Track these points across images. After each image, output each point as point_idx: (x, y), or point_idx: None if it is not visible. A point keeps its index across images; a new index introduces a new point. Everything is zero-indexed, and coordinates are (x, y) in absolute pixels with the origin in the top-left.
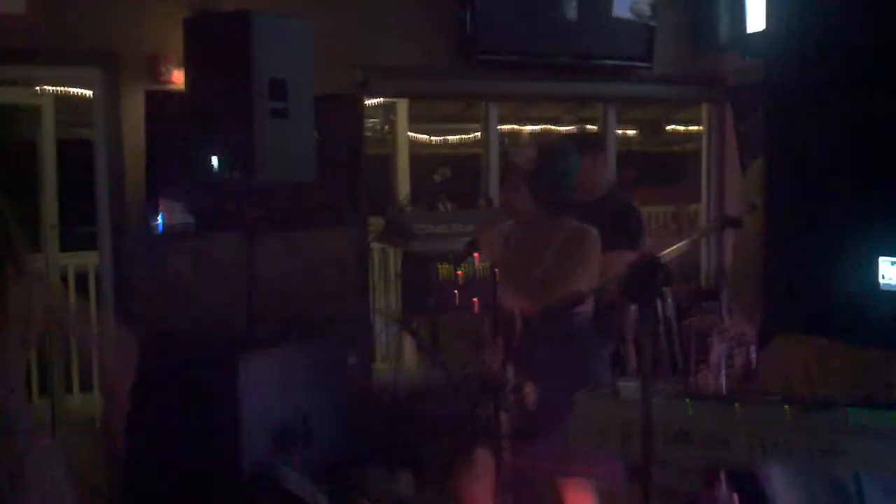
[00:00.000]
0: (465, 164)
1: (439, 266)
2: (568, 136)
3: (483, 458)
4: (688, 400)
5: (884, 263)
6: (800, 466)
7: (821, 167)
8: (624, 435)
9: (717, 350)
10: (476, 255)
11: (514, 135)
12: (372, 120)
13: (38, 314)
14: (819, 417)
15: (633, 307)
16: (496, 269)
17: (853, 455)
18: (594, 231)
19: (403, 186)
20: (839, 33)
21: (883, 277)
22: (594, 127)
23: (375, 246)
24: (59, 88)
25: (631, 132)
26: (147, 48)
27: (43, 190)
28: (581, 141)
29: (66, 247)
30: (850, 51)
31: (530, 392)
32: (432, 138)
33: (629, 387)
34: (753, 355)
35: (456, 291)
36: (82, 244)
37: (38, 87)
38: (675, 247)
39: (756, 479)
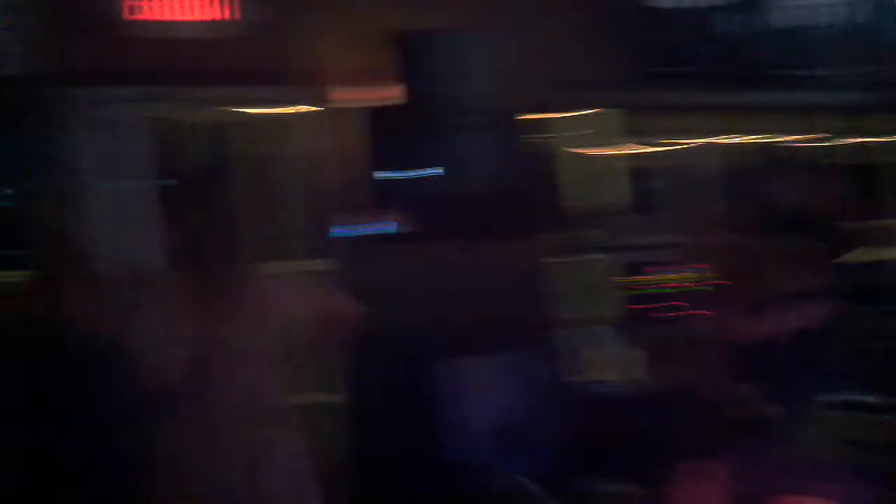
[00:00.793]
0: (676, 178)
1: (657, 276)
2: (773, 150)
3: (709, 472)
4: None
5: None
6: None
7: None
8: (865, 448)
9: None
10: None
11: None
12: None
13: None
14: None
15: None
16: (720, 279)
17: None
18: (815, 245)
19: (603, 198)
20: None
21: None
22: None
23: (580, 257)
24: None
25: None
26: (355, 66)
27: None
28: (777, 156)
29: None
30: None
31: (755, 404)
32: (639, 150)
33: (861, 398)
34: None
35: (670, 302)
36: None
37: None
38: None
39: None
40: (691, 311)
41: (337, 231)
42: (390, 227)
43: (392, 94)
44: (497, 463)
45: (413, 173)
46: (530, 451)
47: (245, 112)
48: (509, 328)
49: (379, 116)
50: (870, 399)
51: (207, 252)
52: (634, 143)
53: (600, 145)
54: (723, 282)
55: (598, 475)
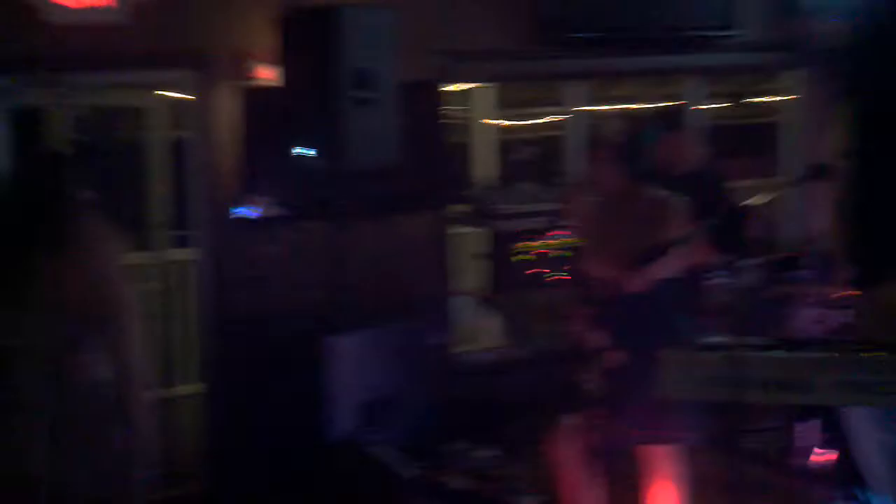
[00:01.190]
0: (543, 146)
1: (525, 244)
2: (652, 112)
3: (573, 424)
4: (780, 350)
5: None
6: (883, 406)
7: None
8: (712, 383)
9: (803, 315)
10: (560, 228)
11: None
12: (455, 107)
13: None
14: None
15: (714, 275)
16: (584, 239)
17: None
18: (676, 201)
19: (484, 169)
20: None
21: None
22: (679, 103)
23: (459, 229)
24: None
25: (712, 105)
26: (236, 47)
27: (150, 191)
28: (662, 116)
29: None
30: None
31: (618, 357)
32: (511, 123)
33: (715, 340)
34: (843, 319)
35: (539, 269)
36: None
37: (144, 90)
38: (764, 195)
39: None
40: (566, 273)
41: (224, 212)
42: (272, 208)
43: (278, 73)
44: (375, 436)
45: (299, 152)
46: (408, 422)
47: (125, 96)
48: (391, 301)
49: (264, 96)
50: (719, 339)
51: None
52: (516, 114)
53: (487, 117)
54: (595, 242)
55: (467, 438)
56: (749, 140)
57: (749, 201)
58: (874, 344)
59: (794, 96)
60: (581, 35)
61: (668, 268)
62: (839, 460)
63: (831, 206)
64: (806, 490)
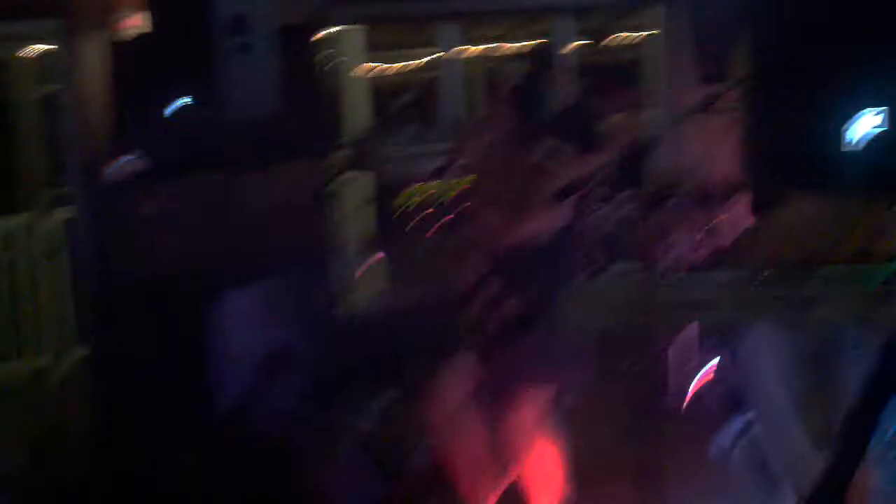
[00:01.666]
0: (420, 88)
1: (410, 188)
2: (529, 51)
3: (461, 363)
4: (677, 274)
5: (866, 117)
6: (785, 319)
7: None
8: (624, 309)
9: (686, 243)
10: (448, 171)
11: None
12: (329, 51)
13: None
14: (796, 276)
15: (600, 210)
16: (479, 180)
17: (828, 307)
18: (565, 146)
19: (361, 115)
20: None
21: (854, 137)
22: (545, 40)
23: (344, 175)
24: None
25: (580, 43)
26: None
27: (23, 148)
28: (534, 56)
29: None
30: None
31: (509, 301)
32: (382, 65)
33: (622, 267)
34: (724, 244)
35: (432, 210)
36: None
37: (10, 43)
38: (658, 129)
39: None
40: (457, 219)
41: (97, 169)
42: (145, 163)
43: (148, 20)
44: (273, 391)
45: (177, 103)
46: (304, 374)
47: None
48: (278, 257)
49: (134, 45)
50: (625, 266)
51: None
52: (389, 56)
53: (363, 62)
54: (486, 187)
55: (364, 384)
56: (616, 76)
57: (647, 135)
58: (775, 262)
59: (655, 32)
60: None
61: (556, 211)
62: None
63: (717, 134)
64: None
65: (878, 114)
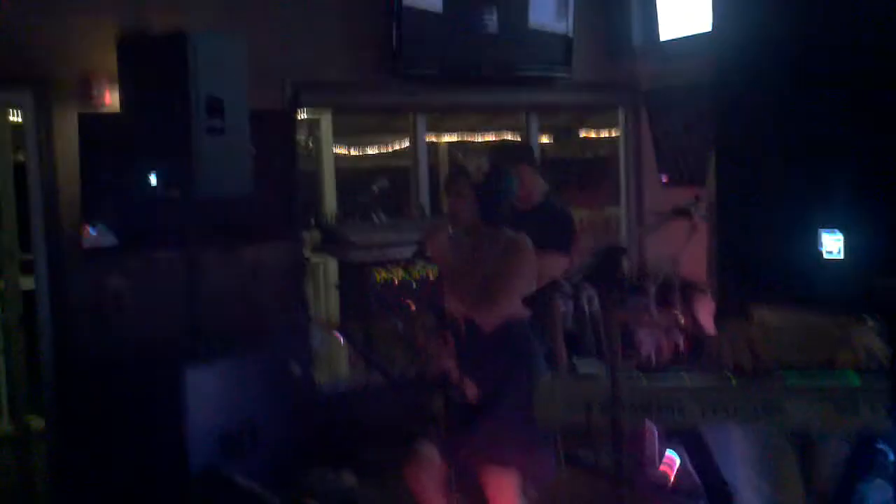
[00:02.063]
0: (388, 176)
1: (376, 273)
2: (498, 146)
3: (428, 450)
4: (643, 374)
5: (825, 237)
6: (745, 424)
7: (766, 153)
8: (588, 410)
9: (647, 342)
10: (417, 259)
11: (435, 146)
12: (298, 137)
13: None
14: (759, 382)
15: (564, 308)
16: (443, 273)
17: (791, 413)
18: (527, 240)
19: (330, 199)
20: (783, 28)
21: (826, 251)
22: (516, 137)
23: (313, 258)
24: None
25: (545, 140)
26: (79, 70)
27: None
28: (512, 150)
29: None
30: (793, 43)
31: (471, 387)
32: (352, 152)
33: (588, 368)
34: (681, 345)
35: (394, 299)
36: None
37: None
38: (633, 236)
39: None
40: (421, 304)
41: (66, 239)
42: (112, 237)
43: (121, 97)
44: (236, 466)
45: (139, 181)
46: (268, 451)
47: None
48: (247, 331)
49: (108, 121)
50: (590, 367)
51: None
52: (363, 143)
53: (333, 147)
54: (451, 276)
55: (325, 465)
56: (581, 172)
57: (622, 239)
58: (737, 369)
59: (621, 133)
60: (425, 70)
61: (520, 305)
62: (702, 478)
63: (683, 238)
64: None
65: (835, 235)
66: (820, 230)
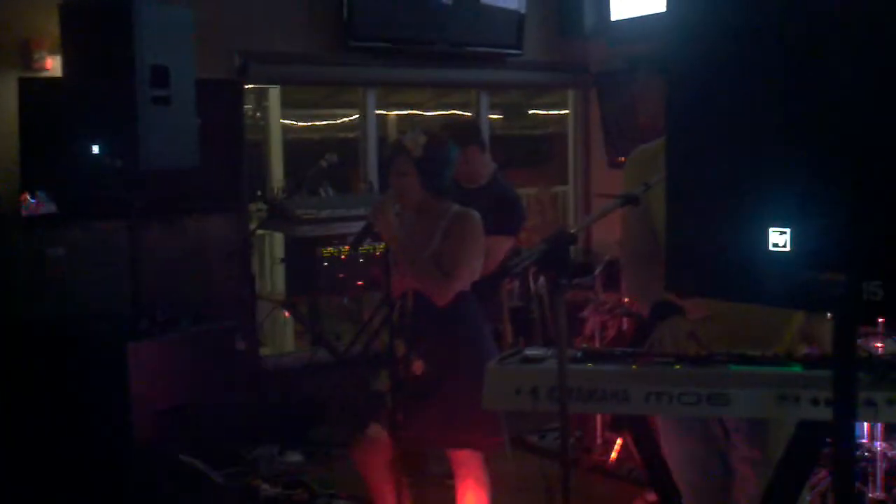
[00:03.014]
0: (337, 150)
1: (323, 249)
2: (447, 124)
3: (375, 431)
4: (589, 362)
5: (773, 232)
6: (690, 414)
7: (719, 143)
8: (535, 395)
9: (592, 322)
10: (364, 235)
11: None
12: (245, 107)
13: None
14: (704, 371)
15: (511, 285)
16: (391, 249)
17: (734, 401)
18: (475, 215)
19: (277, 172)
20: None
21: (773, 244)
22: (466, 113)
23: (259, 232)
24: None
25: (494, 116)
26: (19, 35)
27: None
28: (459, 130)
29: None
30: (748, 28)
31: (419, 365)
32: (300, 124)
33: (535, 353)
34: (625, 325)
35: (341, 274)
36: None
37: None
38: (583, 223)
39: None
40: (370, 280)
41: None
42: (37, 208)
43: (63, 64)
44: (180, 443)
45: (80, 150)
46: (213, 427)
47: None
48: (192, 305)
49: (50, 88)
50: (537, 351)
51: None
52: (311, 116)
53: (280, 119)
54: (397, 250)
55: (271, 444)
56: (528, 150)
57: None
58: (680, 357)
59: (570, 112)
60: (376, 44)
61: (466, 280)
62: (647, 466)
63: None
64: (605, 487)
65: (782, 231)
66: (767, 222)
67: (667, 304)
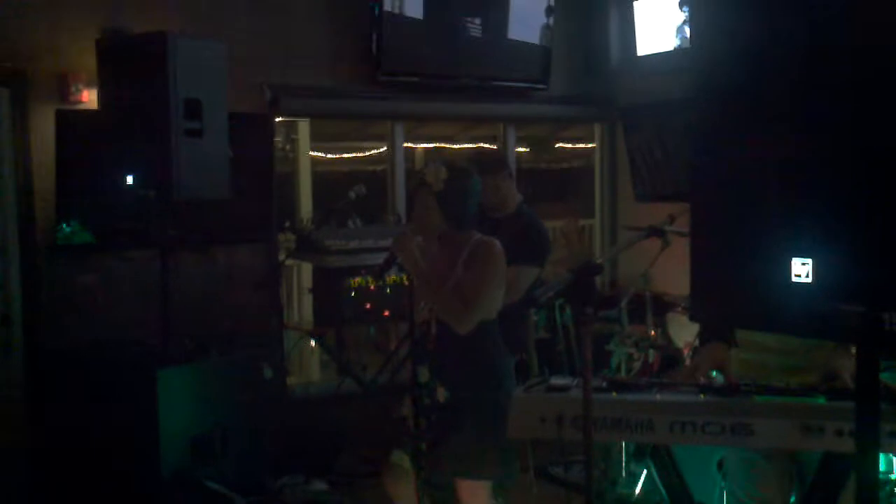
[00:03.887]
0: (365, 181)
1: (351, 279)
2: (474, 155)
3: (400, 459)
4: (614, 392)
5: (795, 262)
6: (713, 444)
7: (741, 176)
8: (559, 423)
9: (618, 355)
10: (390, 266)
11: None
12: (275, 139)
13: None
14: (728, 401)
15: (536, 316)
16: (414, 280)
17: (759, 433)
18: (497, 244)
19: (306, 203)
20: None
21: (795, 275)
22: (492, 146)
23: (288, 262)
24: None
25: (521, 150)
26: (57, 67)
27: None
28: (487, 160)
29: None
30: (773, 66)
31: (442, 393)
32: (329, 156)
33: (560, 382)
34: (651, 358)
35: (368, 305)
36: None
37: None
38: (609, 254)
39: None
40: (395, 311)
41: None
42: (87, 234)
43: (100, 97)
44: (207, 470)
45: (115, 180)
46: (240, 455)
47: None
48: (221, 333)
49: (87, 120)
50: (563, 381)
51: None
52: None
53: (311, 151)
54: (422, 283)
55: (296, 472)
56: (555, 183)
57: (600, 260)
58: (705, 387)
59: (596, 145)
60: (404, 78)
61: (489, 309)
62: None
63: (657, 255)
64: None
65: (804, 262)
66: (790, 254)
67: (715, 329)
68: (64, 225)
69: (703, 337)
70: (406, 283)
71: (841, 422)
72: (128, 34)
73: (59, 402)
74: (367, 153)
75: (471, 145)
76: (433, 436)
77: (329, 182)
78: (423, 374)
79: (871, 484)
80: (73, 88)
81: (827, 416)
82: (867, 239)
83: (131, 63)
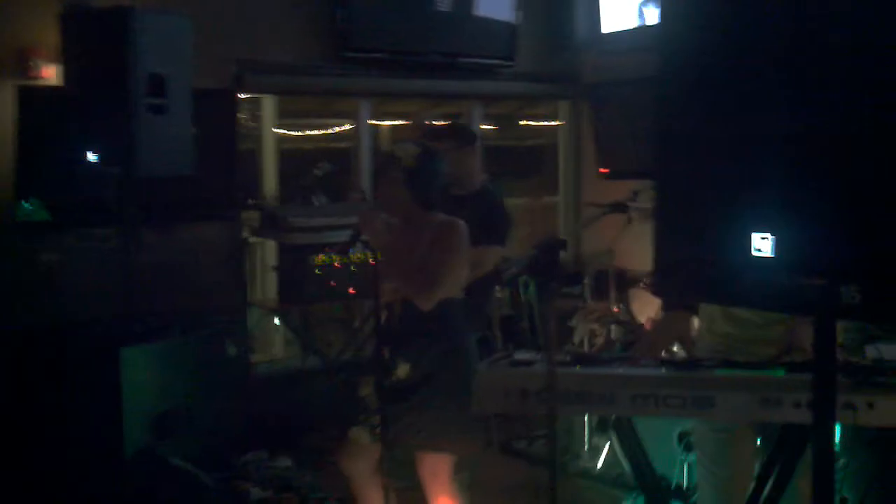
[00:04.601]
0: (330, 159)
1: (315, 257)
2: (441, 128)
3: (360, 435)
4: (577, 366)
5: (756, 237)
6: (675, 416)
7: (703, 152)
8: (524, 397)
9: (581, 330)
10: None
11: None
12: (240, 115)
13: None
14: (690, 374)
15: (501, 294)
16: (379, 257)
17: (720, 405)
18: (461, 224)
19: (271, 181)
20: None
21: (756, 249)
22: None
23: (252, 239)
24: None
25: (486, 127)
26: (16, 43)
27: None
28: (462, 129)
29: None
30: (741, 40)
31: (403, 369)
32: (294, 133)
33: (524, 356)
34: (613, 334)
35: (333, 282)
36: None
37: None
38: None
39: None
40: (359, 288)
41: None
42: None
43: (62, 73)
44: (172, 447)
45: (77, 156)
46: (204, 432)
47: None
48: (185, 311)
49: (48, 96)
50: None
51: None
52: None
53: (275, 127)
54: (386, 260)
55: (260, 449)
56: (520, 161)
57: (559, 229)
58: (667, 361)
59: (562, 122)
60: (370, 54)
61: (452, 287)
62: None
63: (619, 231)
64: (592, 493)
65: (764, 237)
66: (751, 229)
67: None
68: (24, 202)
69: (667, 306)
70: (371, 261)
71: (798, 393)
72: (91, 8)
73: (19, 382)
74: (333, 130)
75: (436, 123)
76: (393, 412)
77: (294, 159)
78: (386, 352)
79: (827, 455)
80: (32, 64)
81: (785, 388)
82: (827, 214)
83: (94, 38)
